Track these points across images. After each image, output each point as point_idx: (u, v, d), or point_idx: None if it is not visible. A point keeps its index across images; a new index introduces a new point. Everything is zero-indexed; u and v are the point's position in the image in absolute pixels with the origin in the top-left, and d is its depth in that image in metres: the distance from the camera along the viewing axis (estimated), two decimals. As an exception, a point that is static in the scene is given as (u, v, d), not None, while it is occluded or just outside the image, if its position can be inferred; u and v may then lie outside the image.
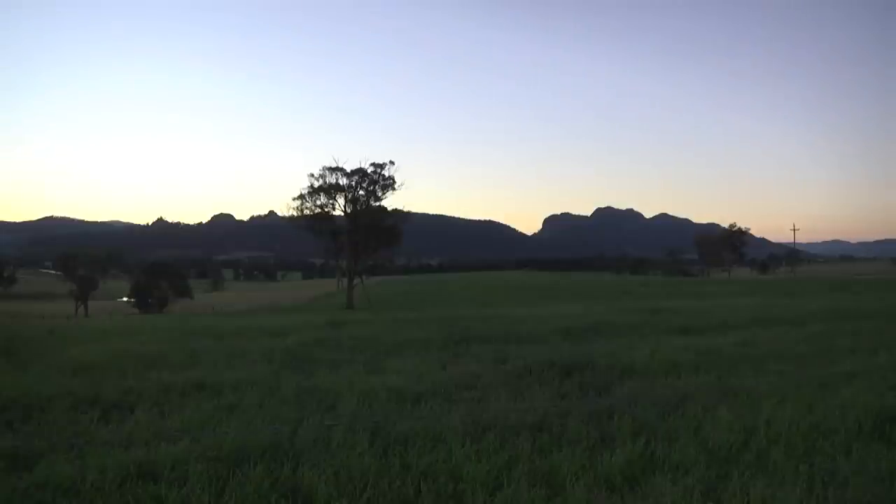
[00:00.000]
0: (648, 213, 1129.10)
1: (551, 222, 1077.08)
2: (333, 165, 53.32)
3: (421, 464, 4.19)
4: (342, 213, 54.41)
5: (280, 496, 3.71)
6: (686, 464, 4.22)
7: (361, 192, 53.70)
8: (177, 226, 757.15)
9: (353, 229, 53.57)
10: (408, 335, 12.97)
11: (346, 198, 53.71)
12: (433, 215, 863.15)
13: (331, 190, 53.35)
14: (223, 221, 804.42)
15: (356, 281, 55.00)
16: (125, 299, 71.45)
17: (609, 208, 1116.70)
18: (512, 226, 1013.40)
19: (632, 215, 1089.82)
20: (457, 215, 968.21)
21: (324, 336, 13.21)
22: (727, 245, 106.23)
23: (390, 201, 55.21)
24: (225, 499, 3.69)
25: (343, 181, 53.45)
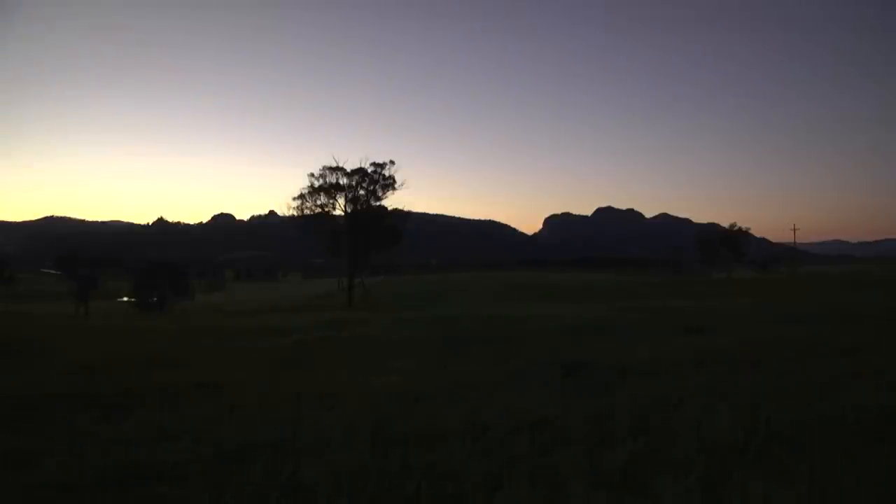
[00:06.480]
0: (648, 213, 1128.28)
1: (551, 222, 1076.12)
2: (333, 165, 53.19)
3: (421, 463, 4.19)
4: (342, 213, 54.31)
5: (280, 496, 3.71)
6: (686, 463, 4.22)
7: (362, 192, 53.55)
8: (177, 226, 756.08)
9: (353, 229, 53.49)
10: (408, 335, 12.97)
11: (346, 197, 53.55)
12: (433, 215, 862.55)
13: (331, 190, 53.17)
14: (223, 221, 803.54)
15: (356, 281, 54.93)
16: (125, 299, 71.33)
17: (609, 208, 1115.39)
18: (512, 226, 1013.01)
19: (632, 215, 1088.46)
20: (457, 215, 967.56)
21: (324, 336, 13.21)
22: (727, 245, 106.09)
23: (391, 201, 55.03)
24: (225, 499, 3.69)
25: (343, 181, 53.25)
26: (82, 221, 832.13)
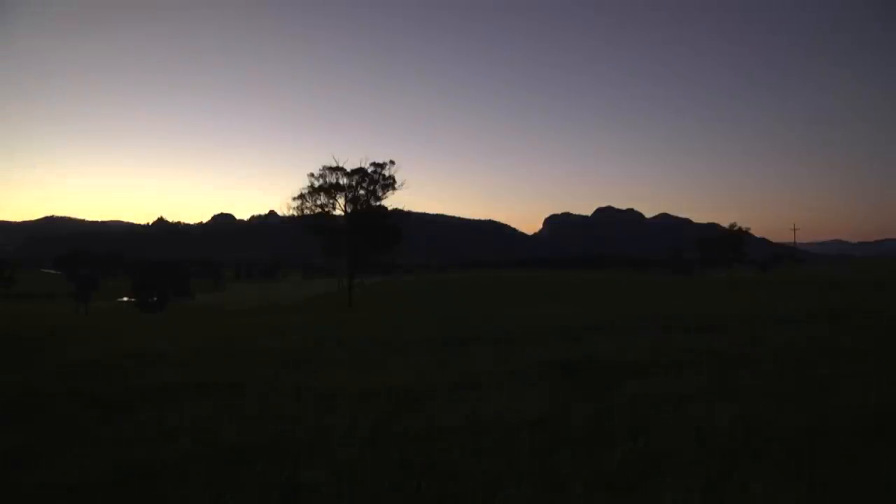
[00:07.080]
0: (648, 213, 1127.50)
1: (551, 222, 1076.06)
2: (333, 165, 53.26)
3: (421, 462, 4.19)
4: (342, 213, 54.33)
5: (280, 495, 3.71)
6: (686, 463, 4.21)
7: (362, 192, 53.60)
8: (177, 226, 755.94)
9: (353, 229, 53.49)
10: (408, 334, 12.98)
11: (346, 197, 53.61)
12: (433, 215, 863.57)
13: (331, 190, 53.24)
14: (223, 221, 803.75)
15: (356, 281, 54.97)
16: (125, 299, 71.48)
17: (609, 208, 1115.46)
18: (512, 226, 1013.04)
19: (632, 215, 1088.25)
20: (457, 215, 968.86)
21: (324, 335, 13.21)
22: (727, 245, 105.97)
23: (391, 201, 55.14)
24: (225, 499, 3.69)
25: (343, 181, 53.35)
26: (82, 221, 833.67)
